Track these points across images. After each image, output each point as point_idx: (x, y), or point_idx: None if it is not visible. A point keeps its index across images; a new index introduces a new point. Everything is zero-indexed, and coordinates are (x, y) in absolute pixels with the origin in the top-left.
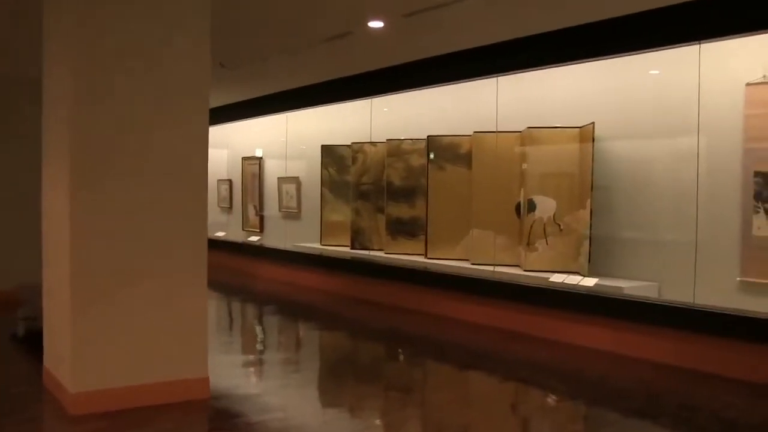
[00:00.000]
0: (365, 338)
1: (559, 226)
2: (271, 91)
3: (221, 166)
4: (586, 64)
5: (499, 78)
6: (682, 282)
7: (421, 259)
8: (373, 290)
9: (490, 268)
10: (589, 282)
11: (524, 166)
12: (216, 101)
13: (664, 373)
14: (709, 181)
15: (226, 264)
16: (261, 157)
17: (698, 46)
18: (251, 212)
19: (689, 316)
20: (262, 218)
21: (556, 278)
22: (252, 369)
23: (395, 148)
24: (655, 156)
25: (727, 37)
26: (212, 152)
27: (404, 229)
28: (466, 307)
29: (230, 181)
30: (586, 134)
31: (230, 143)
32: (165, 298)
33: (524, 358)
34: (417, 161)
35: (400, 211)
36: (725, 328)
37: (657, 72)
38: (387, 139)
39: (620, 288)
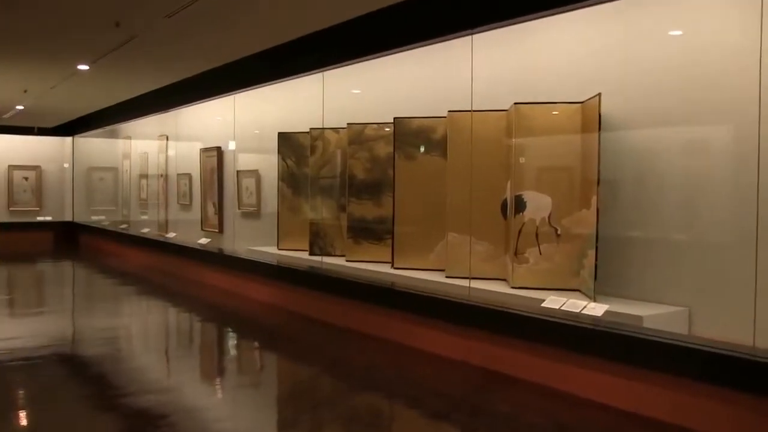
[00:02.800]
0: (307, 375)
1: (556, 230)
2: (209, 67)
3: (181, 158)
4: (593, 9)
5: (473, 36)
6: (722, 308)
7: (387, 269)
8: (329, 309)
9: (468, 283)
10: (597, 309)
11: (521, 159)
12: (151, 84)
13: None
14: (740, 174)
15: (176, 271)
16: (219, 147)
17: None
18: (210, 210)
19: (748, 370)
20: (221, 217)
21: (553, 302)
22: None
23: (357, 135)
24: (678, 141)
25: None
26: (172, 144)
27: (369, 232)
28: (438, 337)
29: (190, 176)
30: (591, 110)
31: (189, 133)
32: None
33: (513, 414)
34: (383, 150)
35: (364, 209)
36: None
37: (679, 32)
38: (347, 124)
39: (639, 317)
